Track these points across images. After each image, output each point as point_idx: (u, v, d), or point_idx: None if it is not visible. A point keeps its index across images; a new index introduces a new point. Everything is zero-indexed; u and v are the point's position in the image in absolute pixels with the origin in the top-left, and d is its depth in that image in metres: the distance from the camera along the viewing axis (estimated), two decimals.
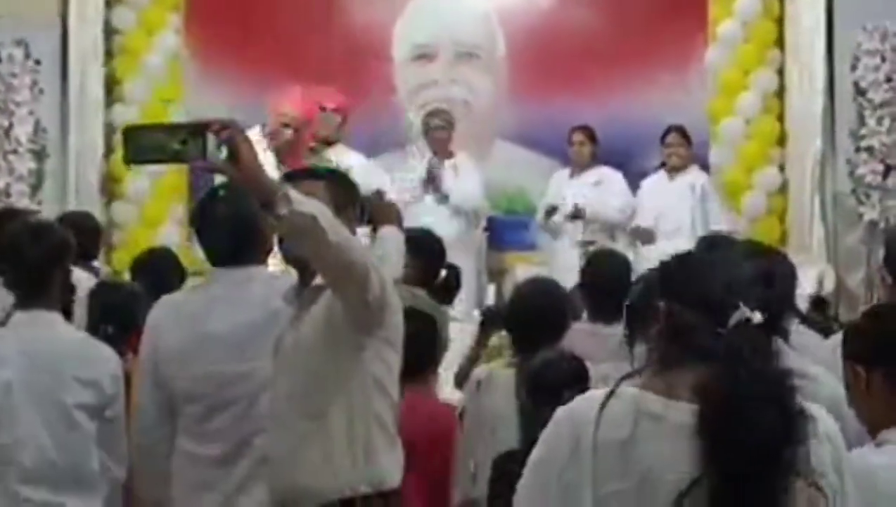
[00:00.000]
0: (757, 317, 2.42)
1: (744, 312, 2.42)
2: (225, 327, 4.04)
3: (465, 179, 9.61)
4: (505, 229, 10.36)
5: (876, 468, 2.86)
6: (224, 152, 3.19)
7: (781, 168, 10.46)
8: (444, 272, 5.76)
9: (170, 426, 4.21)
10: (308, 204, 3.32)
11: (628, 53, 10.39)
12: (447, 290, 5.81)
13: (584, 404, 2.49)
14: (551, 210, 9.56)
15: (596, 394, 2.49)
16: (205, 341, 4.09)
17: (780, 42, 10.52)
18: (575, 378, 4.09)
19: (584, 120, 9.78)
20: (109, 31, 10.76)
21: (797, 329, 4.66)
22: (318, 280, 3.71)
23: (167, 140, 3.16)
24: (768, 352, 2.46)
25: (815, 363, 3.92)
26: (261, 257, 4.21)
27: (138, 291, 5.36)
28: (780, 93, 10.49)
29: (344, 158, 8.36)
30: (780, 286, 3.82)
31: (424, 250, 5.47)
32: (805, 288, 9.24)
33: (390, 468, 3.78)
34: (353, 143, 9.10)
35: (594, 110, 9.91)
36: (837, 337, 3.74)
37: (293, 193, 3.28)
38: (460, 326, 6.37)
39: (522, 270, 9.30)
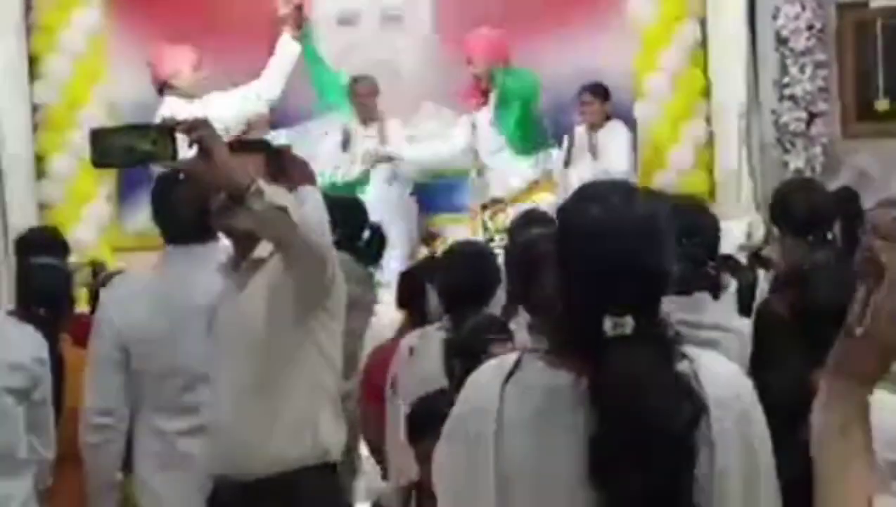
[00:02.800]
0: (628, 328, 2.30)
1: (613, 322, 2.31)
2: (204, 300, 4.04)
3: (392, 143, 9.64)
4: (435, 193, 10.36)
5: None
6: (194, 151, 3.21)
7: (707, 120, 10.51)
8: (367, 233, 5.73)
9: (130, 407, 4.26)
10: (279, 196, 3.36)
11: (551, 11, 10.40)
12: (373, 251, 5.78)
13: (491, 372, 2.44)
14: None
15: (505, 361, 2.44)
16: (187, 316, 4.10)
17: None
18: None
19: None
20: (28, 8, 10.64)
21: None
22: (258, 253, 3.72)
23: (137, 142, 3.14)
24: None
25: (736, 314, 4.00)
26: (216, 233, 4.23)
27: (70, 273, 5.34)
28: (703, 45, 10.53)
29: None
30: (703, 239, 3.87)
31: (346, 213, 5.44)
32: (735, 239, 9.35)
33: (335, 439, 3.80)
34: (282, 108, 9.08)
35: (526, 65, 9.90)
36: None
37: (265, 187, 3.30)
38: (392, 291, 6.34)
39: (453, 232, 9.32)
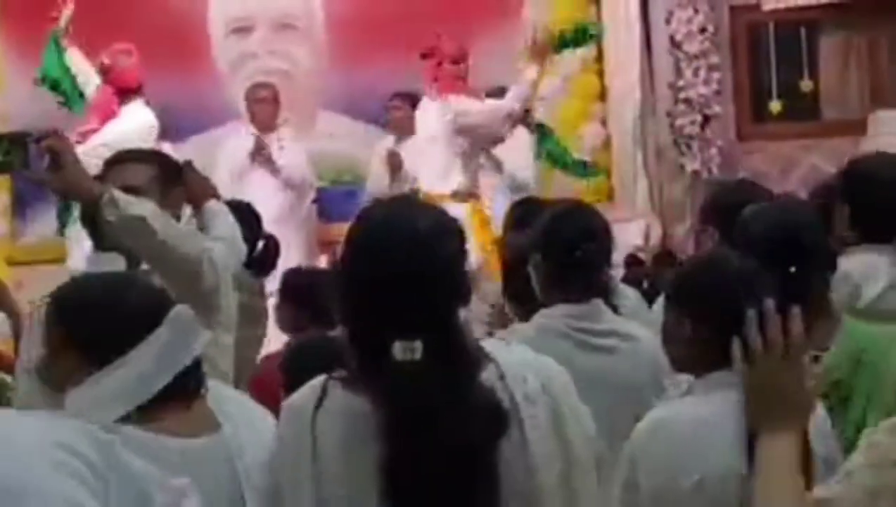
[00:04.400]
0: (418, 353, 2.24)
1: (403, 347, 2.26)
2: None
3: (291, 153, 9.53)
4: (333, 200, 10.29)
5: (676, 419, 2.82)
6: (46, 161, 3.19)
7: (603, 124, 10.55)
8: (261, 243, 5.66)
9: None
10: (135, 205, 3.32)
11: (447, 16, 10.38)
12: (265, 261, 5.72)
13: (303, 399, 2.38)
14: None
15: (315, 387, 2.38)
16: None
17: None
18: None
19: (405, 86, 9.75)
20: None
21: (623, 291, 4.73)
22: (146, 266, 3.66)
23: None
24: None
25: (635, 322, 3.98)
26: None
27: None
28: (599, 49, 10.57)
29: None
30: (597, 245, 3.86)
31: (240, 223, 5.37)
32: (633, 241, 9.41)
33: None
34: (177, 118, 8.98)
35: (415, 75, 9.87)
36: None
37: (119, 196, 3.29)
38: None
39: None
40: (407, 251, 2.29)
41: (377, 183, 9.24)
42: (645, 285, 6.18)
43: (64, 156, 3.25)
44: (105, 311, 2.54)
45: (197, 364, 2.60)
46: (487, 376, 2.30)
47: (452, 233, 2.38)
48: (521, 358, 2.39)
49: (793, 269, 3.07)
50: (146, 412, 2.51)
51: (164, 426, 2.52)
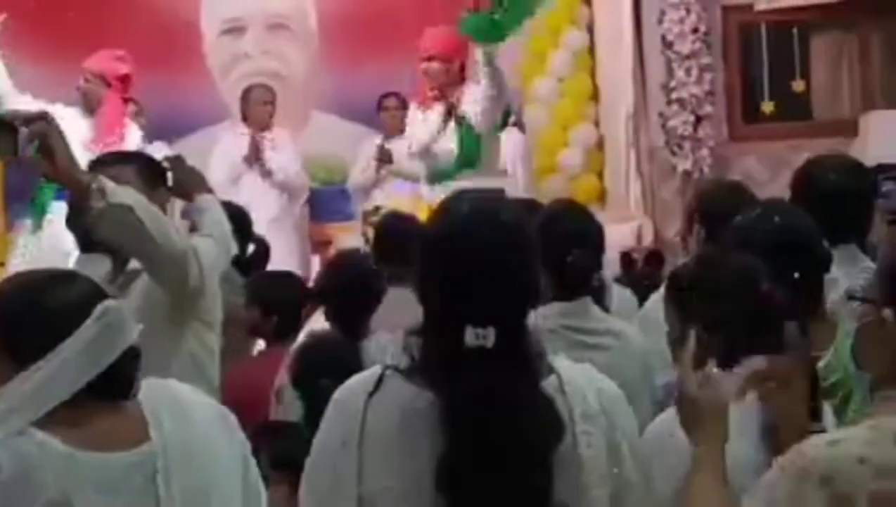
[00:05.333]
0: (490, 340, 2.24)
1: (475, 333, 2.24)
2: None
3: (283, 153, 9.51)
4: (325, 201, 10.28)
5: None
6: (35, 146, 3.14)
7: (596, 124, 10.56)
8: (251, 246, 5.65)
9: None
10: (124, 194, 3.29)
11: (438, 17, 10.36)
12: (255, 264, 5.70)
13: (355, 389, 2.35)
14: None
15: (368, 377, 2.35)
16: None
17: None
18: (334, 363, 3.91)
19: (397, 87, 9.75)
20: None
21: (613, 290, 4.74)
22: (133, 264, 3.65)
23: None
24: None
25: (625, 321, 3.99)
26: None
27: None
28: (591, 50, 10.58)
29: None
30: (589, 246, 3.87)
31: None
32: (625, 241, 9.41)
33: None
34: (169, 119, 8.97)
35: (408, 76, 9.86)
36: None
37: (108, 184, 3.25)
38: None
39: (344, 240, 9.24)
40: (489, 240, 2.29)
41: (360, 176, 9.25)
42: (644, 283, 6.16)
43: (53, 141, 3.21)
44: (26, 309, 2.43)
45: (128, 364, 2.47)
46: (548, 385, 2.30)
47: (530, 230, 2.40)
48: (582, 375, 2.39)
49: (797, 274, 3.09)
50: (66, 416, 2.38)
51: (83, 435, 2.39)
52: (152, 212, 3.38)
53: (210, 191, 4.09)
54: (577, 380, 2.35)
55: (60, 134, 3.25)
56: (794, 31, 10.51)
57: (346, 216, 10.17)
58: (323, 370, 3.70)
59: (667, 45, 10.22)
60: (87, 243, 4.15)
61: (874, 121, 9.72)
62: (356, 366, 2.90)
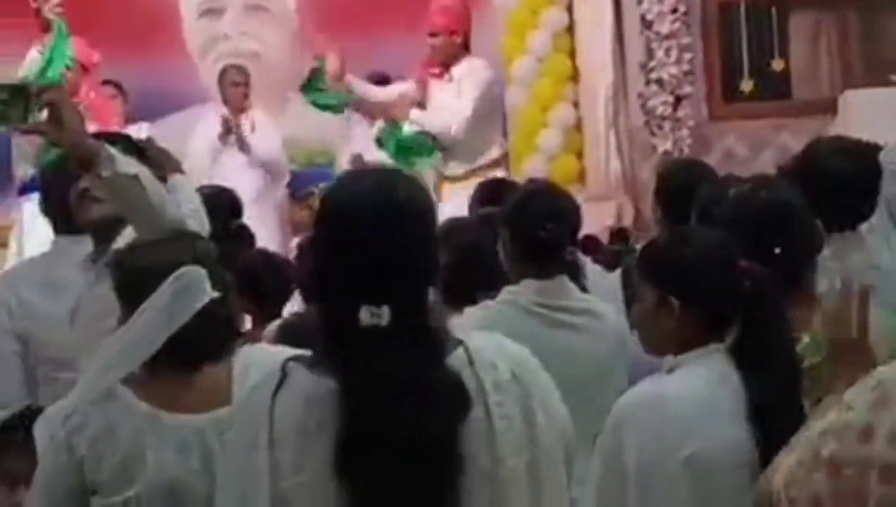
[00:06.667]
0: (384, 319, 2.19)
1: (370, 312, 2.20)
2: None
3: (264, 134, 9.51)
4: (305, 182, 10.26)
5: (665, 396, 2.86)
6: (44, 114, 3.21)
7: (576, 105, 10.55)
8: (233, 227, 5.64)
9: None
10: (129, 164, 3.35)
11: (417, 2, 10.36)
12: (238, 245, 5.69)
13: (260, 387, 2.28)
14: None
15: (272, 373, 2.26)
16: (87, 304, 3.99)
17: None
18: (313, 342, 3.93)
19: (375, 66, 9.72)
20: None
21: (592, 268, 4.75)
22: (117, 245, 3.66)
23: None
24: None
25: (603, 300, 4.00)
26: None
27: None
28: (570, 30, 10.56)
29: None
30: (563, 223, 3.87)
31: (214, 205, 5.33)
32: (605, 221, 9.42)
33: None
34: (150, 101, 8.96)
35: (386, 57, 9.86)
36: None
37: (115, 152, 3.32)
38: None
39: None
40: (381, 216, 2.23)
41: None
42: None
43: (64, 109, 3.25)
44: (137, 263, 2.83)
45: (203, 328, 2.66)
46: (454, 359, 2.24)
47: (428, 207, 2.34)
48: (491, 344, 2.33)
49: (777, 250, 3.08)
50: (149, 379, 2.63)
51: (163, 396, 2.63)
52: (155, 184, 3.44)
53: (182, 171, 4.11)
54: (486, 350, 2.29)
55: (71, 103, 3.36)
56: (773, 10, 10.51)
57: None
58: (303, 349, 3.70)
59: (646, 25, 10.21)
60: (64, 226, 4.15)
61: (853, 99, 9.72)
62: None
